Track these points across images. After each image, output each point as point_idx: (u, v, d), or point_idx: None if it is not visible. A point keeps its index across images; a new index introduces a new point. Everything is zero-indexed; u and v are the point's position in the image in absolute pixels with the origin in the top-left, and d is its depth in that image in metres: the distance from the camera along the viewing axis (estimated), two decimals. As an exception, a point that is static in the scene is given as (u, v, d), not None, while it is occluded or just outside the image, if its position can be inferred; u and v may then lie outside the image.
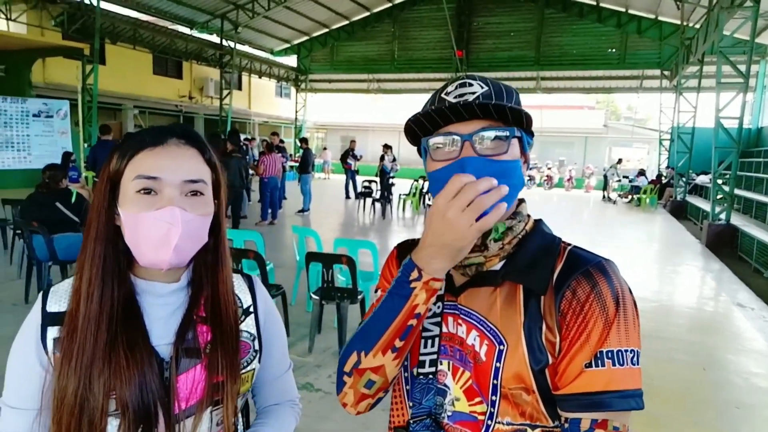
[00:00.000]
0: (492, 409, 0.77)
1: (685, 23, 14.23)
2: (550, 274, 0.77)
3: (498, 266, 0.80)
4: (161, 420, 0.79)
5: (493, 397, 0.77)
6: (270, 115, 24.95)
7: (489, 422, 0.78)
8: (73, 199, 4.75)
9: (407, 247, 0.95)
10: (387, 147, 13.75)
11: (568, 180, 22.29)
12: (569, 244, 0.83)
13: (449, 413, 0.81)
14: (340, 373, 0.84)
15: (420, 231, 8.52)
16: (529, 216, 0.86)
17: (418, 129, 0.82)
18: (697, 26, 12.93)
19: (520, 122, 0.78)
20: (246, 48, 20.71)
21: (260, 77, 22.44)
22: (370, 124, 28.54)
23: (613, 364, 0.71)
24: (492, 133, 0.75)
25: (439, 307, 0.83)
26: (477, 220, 0.68)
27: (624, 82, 20.07)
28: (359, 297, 3.83)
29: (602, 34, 18.36)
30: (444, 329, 0.83)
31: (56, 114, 11.91)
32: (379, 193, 12.47)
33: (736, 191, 9.98)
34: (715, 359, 4.10)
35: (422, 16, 20.35)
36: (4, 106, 11.07)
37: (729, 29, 9.12)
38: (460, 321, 0.81)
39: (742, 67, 8.63)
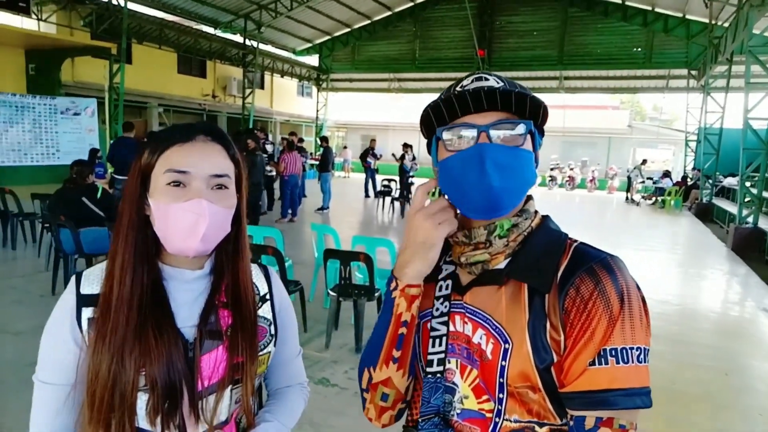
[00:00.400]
0: (500, 407, 0.78)
1: (713, 22, 13.88)
2: (554, 273, 0.77)
3: (503, 264, 0.81)
4: (185, 396, 0.85)
5: (501, 395, 0.77)
6: (291, 113, 25.15)
7: (497, 419, 0.78)
8: (99, 195, 4.88)
9: None
10: (407, 146, 13.75)
11: (591, 181, 21.96)
12: (575, 241, 0.82)
13: (458, 411, 0.82)
14: (361, 390, 0.89)
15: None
16: (536, 212, 0.86)
17: (433, 119, 0.82)
18: (726, 25, 12.63)
19: (536, 119, 0.79)
20: (268, 47, 20.91)
21: (282, 76, 22.62)
22: (390, 124, 28.55)
23: (617, 362, 0.70)
24: (510, 125, 0.76)
25: (446, 307, 0.84)
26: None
27: (650, 82, 19.69)
28: (376, 294, 3.86)
29: (627, 32, 18.02)
30: (451, 328, 0.83)
31: (84, 112, 12.22)
32: (398, 192, 12.48)
33: (765, 194, 9.73)
34: (738, 365, 4.02)
35: (444, 16, 20.26)
36: (34, 103, 11.39)
37: (759, 28, 8.89)
38: (466, 319, 0.82)
39: (773, 67, 8.41)
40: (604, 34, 18.33)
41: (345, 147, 25.96)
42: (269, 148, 10.23)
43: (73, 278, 0.91)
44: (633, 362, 0.71)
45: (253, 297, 0.95)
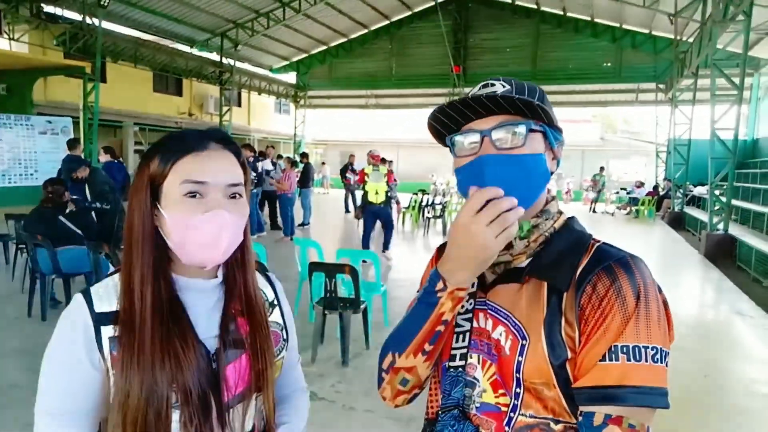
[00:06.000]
0: (516, 402, 0.79)
1: (678, 37, 14.44)
2: (573, 271, 0.77)
3: (525, 263, 0.82)
4: (213, 408, 0.84)
5: (517, 390, 0.78)
6: (269, 131, 25.10)
7: (512, 414, 0.79)
8: (68, 212, 4.83)
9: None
10: (383, 161, 13.82)
11: (567, 193, 22.41)
12: (599, 241, 0.82)
13: (477, 404, 0.83)
14: (379, 369, 0.89)
15: (420, 243, 8.54)
16: (560, 213, 0.87)
17: (443, 128, 0.85)
18: (691, 40, 13.13)
19: (547, 117, 0.80)
20: (245, 65, 20.94)
21: (259, 94, 22.64)
22: (368, 140, 28.64)
23: (628, 359, 0.70)
24: (509, 128, 0.78)
25: (471, 304, 0.86)
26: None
27: (620, 96, 20.27)
28: (362, 306, 3.86)
29: (598, 48, 18.59)
30: (475, 324, 0.85)
31: (61, 131, 12.03)
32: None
33: (734, 202, 10.04)
34: (716, 367, 4.12)
35: (419, 33, 20.61)
36: (9, 123, 11.17)
37: (722, 43, 9.28)
38: (488, 316, 0.84)
39: (736, 80, 8.75)
40: (575, 50, 18.86)
41: (323, 163, 25.97)
42: (266, 164, 10.07)
43: (78, 296, 0.86)
44: (647, 361, 0.70)
45: (263, 303, 0.96)
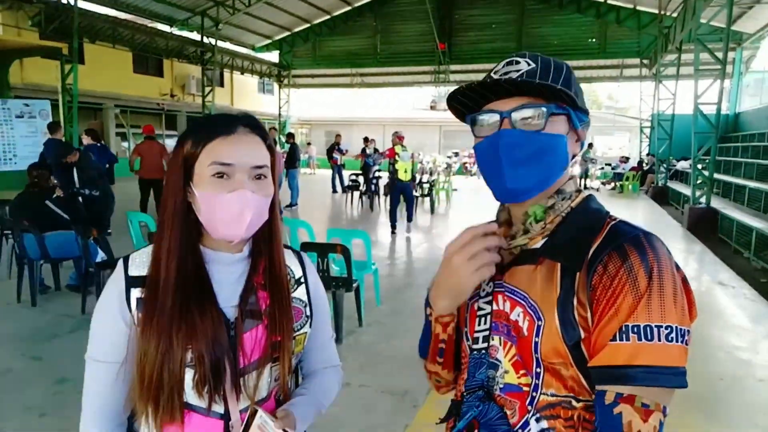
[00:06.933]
0: (537, 381, 0.79)
1: (663, 12, 14.46)
2: (586, 251, 0.76)
3: (539, 244, 0.82)
4: (228, 372, 0.90)
5: (538, 370, 0.79)
6: (254, 111, 24.61)
7: (534, 393, 0.80)
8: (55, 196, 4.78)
9: None
10: (367, 140, 13.82)
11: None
12: (615, 219, 0.81)
13: (501, 385, 0.84)
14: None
15: (403, 222, 8.63)
16: (578, 192, 0.85)
17: (463, 108, 0.86)
18: (675, 15, 13.16)
19: (571, 99, 0.79)
20: (227, 45, 20.53)
21: (242, 74, 22.28)
22: (354, 119, 28.50)
23: (639, 339, 0.69)
24: (529, 110, 0.78)
25: (490, 287, 0.87)
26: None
27: (604, 72, 20.30)
28: (354, 285, 3.90)
29: (582, 24, 18.57)
30: (495, 307, 0.86)
31: (39, 114, 11.76)
32: (364, 186, 12.53)
33: (716, 175, 10.20)
34: (699, 335, 4.24)
35: (404, 10, 20.35)
36: (-15, 107, 10.90)
37: (705, 17, 9.30)
38: (506, 298, 0.84)
39: (719, 54, 8.82)
40: (560, 26, 18.82)
41: (309, 143, 25.79)
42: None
43: (120, 261, 0.96)
44: (661, 340, 0.69)
45: (288, 279, 1.00)
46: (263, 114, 25.13)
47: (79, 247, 4.54)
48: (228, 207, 0.87)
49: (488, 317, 0.86)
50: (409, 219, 8.74)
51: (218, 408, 0.91)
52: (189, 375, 0.89)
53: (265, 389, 0.96)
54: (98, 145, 8.02)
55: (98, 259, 4.43)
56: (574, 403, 0.77)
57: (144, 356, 0.87)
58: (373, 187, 12.37)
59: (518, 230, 0.84)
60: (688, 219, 9.33)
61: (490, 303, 0.86)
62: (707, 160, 9.73)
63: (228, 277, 0.95)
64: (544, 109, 0.77)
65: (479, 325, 0.87)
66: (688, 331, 0.71)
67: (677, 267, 0.74)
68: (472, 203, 13.15)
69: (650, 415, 0.69)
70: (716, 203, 9.51)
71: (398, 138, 8.30)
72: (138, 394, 0.89)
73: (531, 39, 19.16)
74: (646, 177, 16.44)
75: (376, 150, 13.95)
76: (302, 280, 1.05)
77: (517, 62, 0.80)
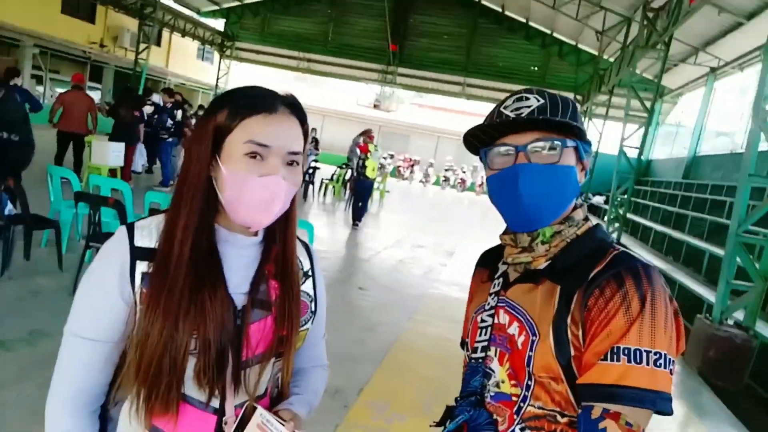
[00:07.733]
0: (526, 393, 0.84)
1: (601, 54, 15.43)
2: (586, 276, 0.81)
3: (543, 266, 0.88)
4: (230, 364, 0.83)
5: (529, 382, 0.84)
6: (189, 77, 23.58)
7: (522, 404, 0.85)
8: None
9: (487, 255, 1.05)
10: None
11: (480, 185, 23.40)
12: (618, 249, 0.85)
13: (492, 393, 0.90)
14: None
15: (340, 217, 8.63)
16: (586, 220, 0.91)
17: (476, 141, 0.90)
18: (612, 59, 14.09)
19: (575, 132, 0.85)
20: (170, 2, 19.34)
21: (183, 36, 21.03)
22: (293, 103, 27.90)
23: (629, 361, 0.72)
24: (544, 144, 0.83)
25: (495, 301, 0.93)
26: None
27: (540, 100, 21.32)
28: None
29: (528, 51, 19.35)
30: (496, 320, 0.92)
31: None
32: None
33: (628, 215, 11.03)
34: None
35: (361, 3, 20.20)
36: None
37: (640, 68, 10.04)
38: (506, 312, 0.90)
39: (648, 104, 9.56)
40: (507, 49, 19.51)
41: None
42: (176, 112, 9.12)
43: (122, 228, 0.85)
44: (648, 364, 0.72)
45: (298, 270, 0.94)
46: (199, 82, 23.98)
47: (-14, 197, 4.06)
48: (257, 192, 0.80)
49: (489, 329, 0.91)
50: (363, 212, 9.26)
51: (214, 402, 0.84)
52: (191, 363, 0.81)
53: (264, 386, 0.91)
54: (17, 87, 7.23)
55: (7, 212, 4.00)
56: (558, 418, 0.81)
57: (145, 340, 0.79)
58: (307, 177, 12.18)
59: (522, 247, 0.89)
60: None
61: (492, 316, 0.92)
62: (622, 200, 10.50)
63: (239, 262, 0.88)
64: (558, 142, 0.83)
65: (480, 335, 0.92)
66: (674, 361, 0.75)
67: (671, 299, 0.78)
68: (402, 206, 13.31)
69: None
70: (625, 240, 10.27)
71: (369, 138, 8.80)
72: (133, 375, 0.80)
73: (479, 57, 19.72)
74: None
75: (315, 139, 13.73)
76: (310, 273, 1.00)
77: (527, 98, 0.85)
